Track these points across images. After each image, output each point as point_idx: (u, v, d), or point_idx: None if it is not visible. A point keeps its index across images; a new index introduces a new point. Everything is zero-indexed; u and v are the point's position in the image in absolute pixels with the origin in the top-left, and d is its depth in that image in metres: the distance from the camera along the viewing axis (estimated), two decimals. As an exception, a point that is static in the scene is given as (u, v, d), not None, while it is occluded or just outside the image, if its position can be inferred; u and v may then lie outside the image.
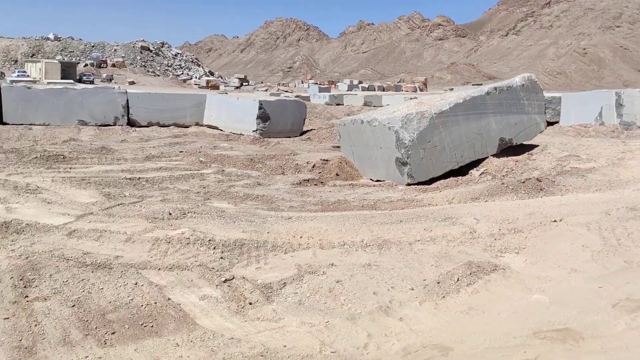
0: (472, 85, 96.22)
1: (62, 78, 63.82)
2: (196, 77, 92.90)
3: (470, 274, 4.58)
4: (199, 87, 72.96)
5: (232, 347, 3.40)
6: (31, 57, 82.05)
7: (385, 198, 8.57)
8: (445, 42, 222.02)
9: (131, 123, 19.56)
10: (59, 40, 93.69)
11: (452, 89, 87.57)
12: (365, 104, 33.26)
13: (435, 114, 10.31)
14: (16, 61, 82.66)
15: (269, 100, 18.62)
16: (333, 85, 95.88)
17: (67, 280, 4.53)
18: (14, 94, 18.31)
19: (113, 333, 3.67)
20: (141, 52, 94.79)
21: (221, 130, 19.19)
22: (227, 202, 8.00)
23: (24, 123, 18.13)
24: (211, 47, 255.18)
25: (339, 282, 4.61)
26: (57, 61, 67.90)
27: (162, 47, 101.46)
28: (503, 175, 10.04)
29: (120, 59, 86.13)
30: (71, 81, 54.87)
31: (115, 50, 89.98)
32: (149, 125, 19.69)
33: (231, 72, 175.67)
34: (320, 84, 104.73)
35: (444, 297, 4.27)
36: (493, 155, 11.02)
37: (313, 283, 4.61)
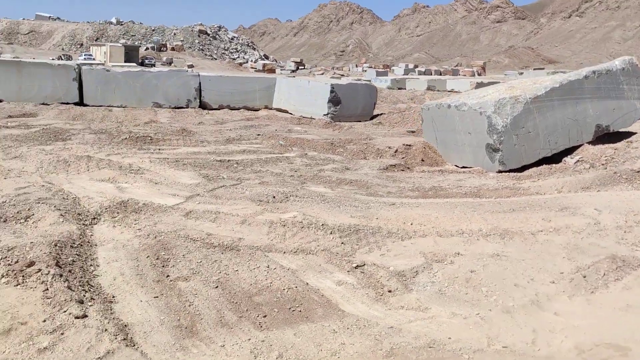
0: (534, 70, 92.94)
1: (125, 61, 65.61)
2: (252, 61, 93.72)
3: (617, 268, 4.35)
4: (255, 71, 73.57)
5: (395, 336, 3.33)
6: (95, 40, 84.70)
7: (482, 185, 8.33)
8: (503, 24, 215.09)
9: (203, 105, 19.85)
10: (121, 25, 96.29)
11: (505, 74, 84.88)
12: (429, 88, 32.63)
13: (530, 98, 9.91)
14: (82, 44, 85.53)
15: (340, 84, 18.48)
16: (388, 69, 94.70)
17: (201, 261, 4.58)
18: (94, 76, 18.88)
19: (265, 316, 3.67)
20: (199, 36, 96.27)
21: (291, 113, 19.21)
22: (323, 186, 7.95)
23: (102, 105, 18.68)
24: (265, 31, 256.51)
25: (474, 272, 4.47)
26: (120, 45, 69.85)
27: (219, 30, 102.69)
28: (602, 164, 9.57)
29: (180, 43, 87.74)
30: (134, 64, 56.31)
31: (174, 34, 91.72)
32: (220, 108, 19.93)
33: (284, 56, 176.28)
34: (374, 68, 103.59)
35: (592, 292, 4.07)
36: (588, 143, 10.53)
37: (446, 272, 4.48)
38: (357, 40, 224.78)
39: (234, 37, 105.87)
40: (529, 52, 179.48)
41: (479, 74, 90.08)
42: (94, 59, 65.62)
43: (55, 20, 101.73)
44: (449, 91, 31.88)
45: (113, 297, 3.87)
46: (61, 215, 5.28)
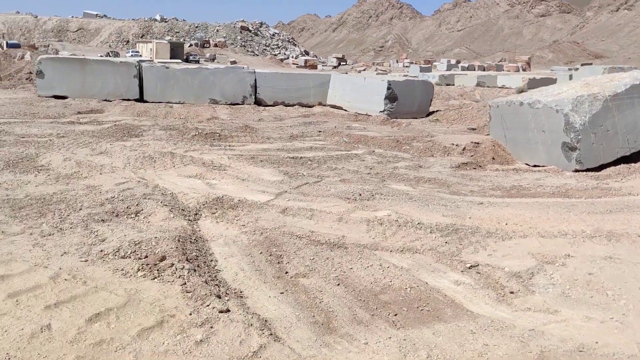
0: (581, 65, 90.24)
1: (170, 57, 66.80)
2: (292, 57, 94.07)
3: None
4: (297, 67, 73.81)
5: (540, 339, 3.32)
6: (141, 37, 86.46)
7: (564, 185, 8.17)
8: (547, 18, 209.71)
9: (258, 102, 20.05)
10: (165, 22, 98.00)
11: (551, 70, 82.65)
12: (479, 84, 32.13)
13: (609, 96, 9.66)
14: (128, 41, 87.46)
15: (397, 81, 18.37)
16: (430, 64, 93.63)
17: (313, 258, 4.64)
18: (153, 73, 19.31)
19: (395, 315, 3.70)
20: (241, 32, 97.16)
21: (345, 110, 19.21)
22: (404, 184, 7.94)
23: (162, 101, 19.08)
24: (303, 27, 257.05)
25: (592, 275, 4.40)
26: (166, 41, 71.17)
27: (260, 27, 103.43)
28: (686, 164, 9.27)
29: (222, 39, 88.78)
30: (178, 60, 57.28)
31: (217, 30, 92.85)
32: (275, 104, 20.10)
33: (322, 52, 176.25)
34: (416, 63, 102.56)
35: None
36: (668, 142, 10.18)
37: (564, 274, 4.43)
38: (396, 35, 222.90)
39: (275, 33, 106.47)
40: (574, 47, 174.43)
41: (524, 70, 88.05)
42: (140, 56, 67.08)
43: (102, 17, 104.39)
44: (499, 87, 31.32)
45: (241, 292, 3.97)
46: (170, 210, 5.44)
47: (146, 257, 4.15)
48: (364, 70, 69.66)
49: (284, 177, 7.87)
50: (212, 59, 79.99)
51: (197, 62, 68.12)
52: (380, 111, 17.74)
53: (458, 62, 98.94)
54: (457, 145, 11.71)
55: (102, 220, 5.16)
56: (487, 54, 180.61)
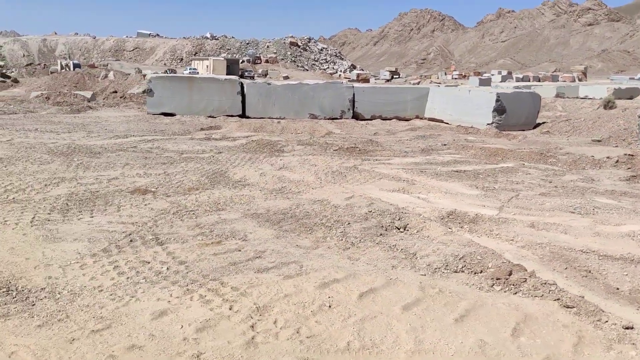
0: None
1: (227, 74, 68.19)
2: (341, 70, 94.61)
3: None
4: (348, 81, 74.12)
5: None
6: (194, 55, 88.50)
7: None
8: (595, 27, 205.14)
9: (355, 116, 20.14)
10: (216, 39, 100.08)
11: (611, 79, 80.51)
12: (558, 95, 31.50)
13: None
14: (182, 59, 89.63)
15: (505, 93, 18.18)
16: (480, 76, 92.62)
17: (627, 274, 4.55)
18: (256, 90, 19.66)
19: None
20: (290, 48, 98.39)
21: (447, 123, 19.09)
22: (605, 198, 7.77)
23: (263, 116, 19.34)
24: (344, 41, 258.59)
25: None
26: (222, 58, 72.66)
27: (308, 42, 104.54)
28: None
29: (273, 55, 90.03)
30: (235, 76, 58.52)
31: (267, 46, 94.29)
32: (372, 118, 20.16)
33: (364, 65, 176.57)
34: (465, 76, 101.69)
35: None
36: None
37: None
38: (438, 47, 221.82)
39: (323, 47, 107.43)
40: (624, 56, 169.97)
41: (580, 80, 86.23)
42: (197, 73, 68.72)
43: (154, 37, 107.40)
44: (581, 98, 30.62)
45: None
46: (441, 224, 5.44)
47: (481, 271, 4.14)
48: (418, 83, 69.38)
49: (480, 191, 7.81)
50: (265, 74, 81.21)
51: (252, 77, 69.34)
52: (488, 124, 17.55)
53: (509, 72, 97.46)
54: (608, 157, 11.45)
55: (381, 235, 5.19)
56: (532, 64, 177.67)
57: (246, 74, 72.87)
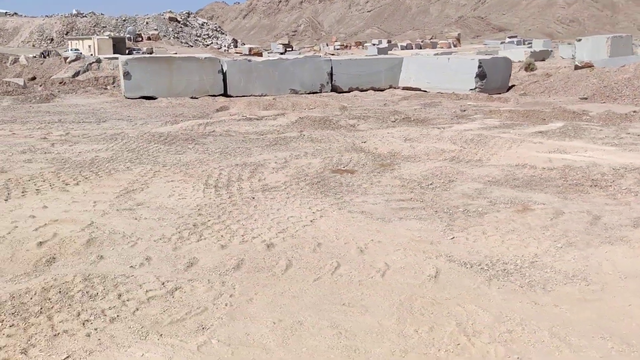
0: (508, 39, 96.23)
1: (113, 53, 63.66)
2: (225, 46, 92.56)
3: None
4: (240, 55, 72.70)
5: None
6: (66, 34, 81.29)
7: None
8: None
9: (334, 89, 20.20)
10: (85, 16, 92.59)
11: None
12: (478, 60, 33.90)
13: None
14: (52, 39, 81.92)
15: (485, 59, 19.31)
16: (361, 46, 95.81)
17: None
18: (237, 67, 18.94)
19: None
20: (170, 23, 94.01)
21: (424, 90, 19.76)
22: None
23: (245, 94, 18.71)
24: (212, 15, 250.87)
25: None
26: (107, 37, 67.60)
27: (188, 17, 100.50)
28: None
29: (155, 32, 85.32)
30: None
31: (147, 23, 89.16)
32: (350, 90, 20.32)
33: (236, 38, 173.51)
34: (347, 46, 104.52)
35: None
36: None
37: None
38: (308, 19, 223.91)
39: (204, 22, 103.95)
40: (479, 22, 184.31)
41: (455, 45, 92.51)
42: (80, 53, 63.30)
43: (12, 15, 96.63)
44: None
45: None
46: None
47: None
48: (311, 54, 70.19)
49: (615, 147, 8.53)
50: (150, 52, 76.93)
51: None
52: (471, 89, 18.57)
53: (389, 41, 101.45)
54: (634, 112, 12.84)
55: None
56: (397, 32, 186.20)
57: (134, 52, 68.61)
